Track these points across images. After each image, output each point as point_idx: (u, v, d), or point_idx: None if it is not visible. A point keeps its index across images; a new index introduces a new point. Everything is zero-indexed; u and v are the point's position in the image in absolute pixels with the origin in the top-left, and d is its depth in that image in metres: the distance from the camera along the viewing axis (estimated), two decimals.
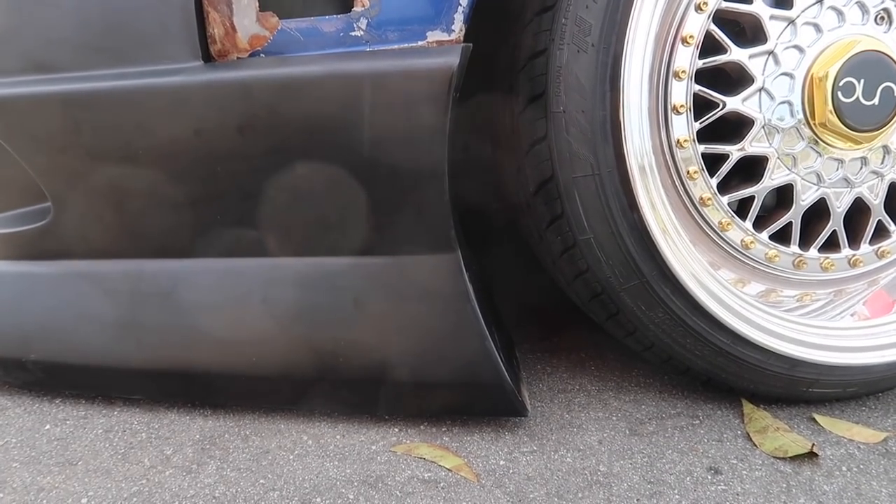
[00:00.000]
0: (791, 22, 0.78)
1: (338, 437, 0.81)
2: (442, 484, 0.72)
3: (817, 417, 0.86)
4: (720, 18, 0.78)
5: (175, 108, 0.75)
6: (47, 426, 0.83)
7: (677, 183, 0.81)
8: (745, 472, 0.75)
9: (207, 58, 0.75)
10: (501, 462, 0.76)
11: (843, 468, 0.76)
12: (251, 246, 0.79)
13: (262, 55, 0.75)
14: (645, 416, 0.87)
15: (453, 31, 0.71)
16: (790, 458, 0.77)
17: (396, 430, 0.82)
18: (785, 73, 0.79)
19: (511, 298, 1.20)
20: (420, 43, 0.71)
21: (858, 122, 0.79)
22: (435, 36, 0.71)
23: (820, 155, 0.82)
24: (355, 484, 0.72)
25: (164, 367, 0.83)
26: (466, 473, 0.74)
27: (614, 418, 0.86)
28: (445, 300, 0.78)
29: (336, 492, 0.70)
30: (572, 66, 0.73)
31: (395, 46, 0.72)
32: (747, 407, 0.87)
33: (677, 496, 0.71)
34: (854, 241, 0.87)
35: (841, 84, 0.78)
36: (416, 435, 0.81)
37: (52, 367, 0.85)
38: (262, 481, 0.72)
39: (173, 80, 0.74)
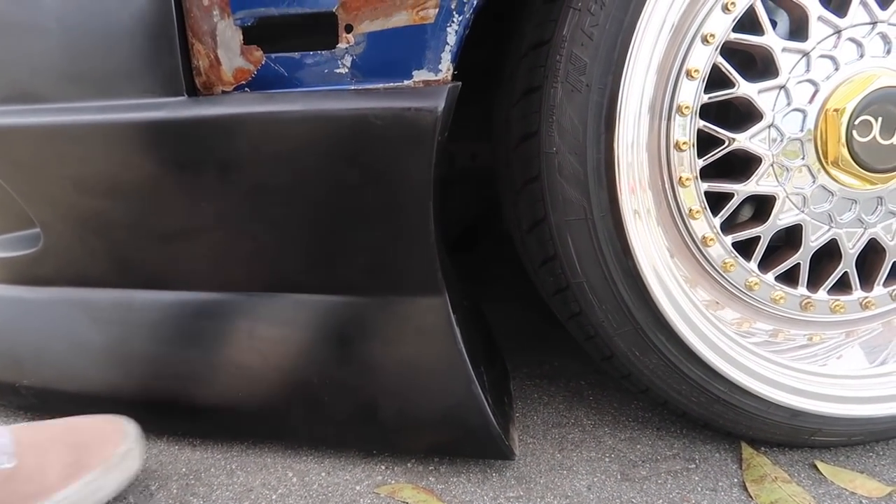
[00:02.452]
0: (805, 55, 0.73)
1: (323, 474, 0.80)
2: None
3: (819, 466, 0.82)
4: (728, 50, 0.73)
5: (158, 143, 0.73)
6: None
7: (678, 221, 0.77)
8: None
9: (192, 91, 0.73)
10: None
11: None
12: (235, 282, 0.78)
13: (246, 90, 0.73)
14: (639, 457, 0.84)
15: (440, 70, 0.68)
16: None
17: (383, 467, 0.81)
18: (797, 109, 0.75)
19: (512, 320, 1.17)
20: (406, 82, 0.68)
21: (875, 162, 0.75)
22: (421, 76, 0.68)
23: (832, 195, 0.77)
24: None
25: (152, 397, 0.83)
26: None
27: (607, 459, 0.84)
28: (432, 343, 0.76)
29: None
30: (566, 105, 0.70)
31: (380, 86, 0.69)
32: (746, 451, 0.84)
33: None
34: (867, 282, 0.83)
35: (857, 122, 0.73)
36: (402, 474, 0.80)
37: (45, 393, 0.86)
38: None
39: (156, 114, 0.72)
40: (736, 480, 0.80)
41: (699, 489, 0.79)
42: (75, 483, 0.70)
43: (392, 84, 0.69)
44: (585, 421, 0.92)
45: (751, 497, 0.77)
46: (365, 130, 0.68)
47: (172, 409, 0.83)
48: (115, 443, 0.74)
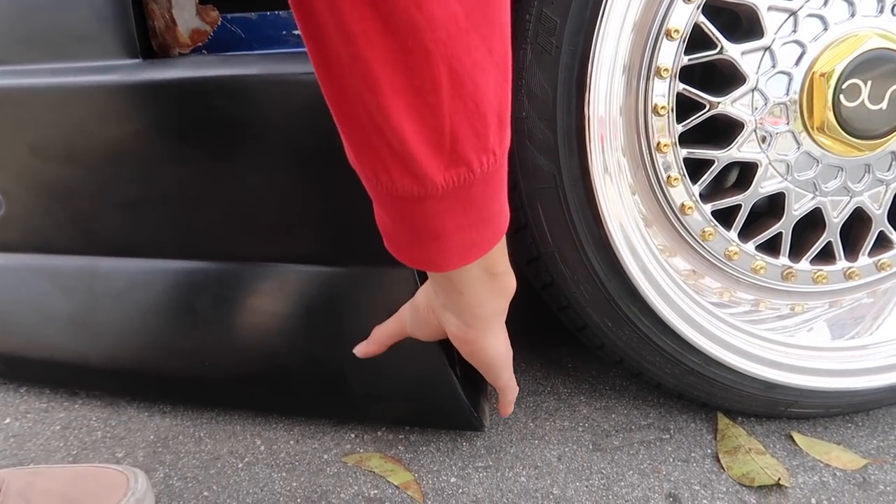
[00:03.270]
0: (793, 14, 0.69)
1: (291, 442, 0.80)
2: (387, 503, 0.71)
3: (796, 437, 0.81)
4: (710, 8, 0.69)
5: (113, 107, 0.70)
6: (7, 419, 0.84)
7: (655, 189, 0.74)
8: (705, 501, 0.72)
9: (148, 54, 0.70)
10: (452, 479, 0.74)
11: (813, 500, 0.72)
12: (199, 250, 0.77)
13: (204, 52, 0.70)
14: (613, 426, 0.83)
15: None
16: (757, 487, 0.73)
17: (353, 436, 0.81)
18: (782, 72, 0.71)
19: None
20: None
21: (863, 128, 0.71)
22: None
23: (817, 162, 0.74)
24: (298, 500, 0.71)
25: (119, 365, 0.82)
26: (414, 492, 0.72)
27: (580, 429, 0.83)
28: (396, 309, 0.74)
29: None
30: (535, 68, 0.66)
31: None
32: (722, 422, 0.83)
33: None
34: (851, 252, 0.80)
35: (844, 86, 0.70)
36: (371, 443, 0.80)
37: (12, 360, 0.85)
38: (205, 493, 0.72)
39: (111, 78, 0.69)
40: (709, 451, 0.79)
41: (671, 460, 0.78)
42: None
43: None
44: (562, 389, 0.91)
45: (723, 468, 0.76)
46: None
47: (140, 376, 0.82)
48: (115, 500, 0.64)
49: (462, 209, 0.43)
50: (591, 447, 0.80)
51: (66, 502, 0.63)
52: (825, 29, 0.70)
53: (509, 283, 0.55)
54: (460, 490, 0.73)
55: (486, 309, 0.55)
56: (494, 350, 0.59)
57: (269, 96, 0.66)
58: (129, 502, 0.64)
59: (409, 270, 0.73)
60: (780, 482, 0.72)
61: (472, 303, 0.54)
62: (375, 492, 0.72)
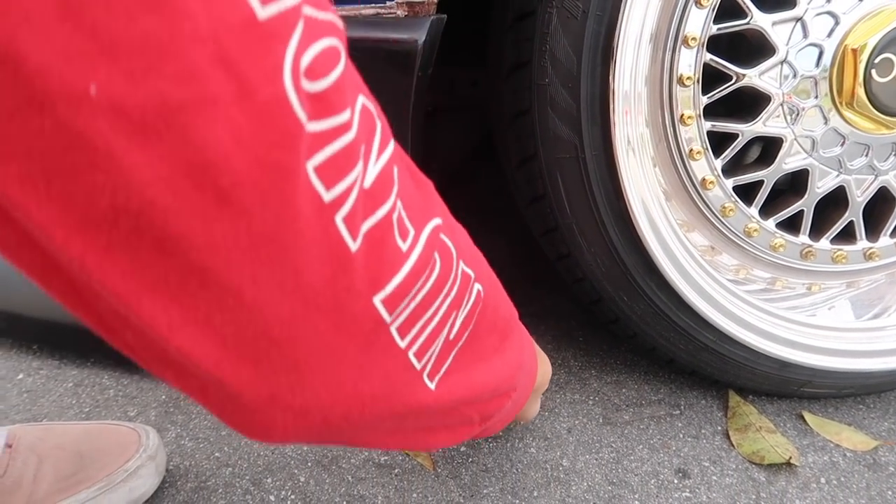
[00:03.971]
0: None
1: None
2: (396, 470, 0.71)
3: (807, 416, 0.81)
4: None
5: None
6: (20, 375, 0.84)
7: (677, 162, 0.73)
8: (714, 477, 0.72)
9: None
10: (462, 448, 0.74)
11: (822, 480, 0.72)
12: None
13: None
14: (623, 401, 0.83)
15: None
16: (766, 465, 0.73)
17: None
18: (813, 44, 0.69)
19: (506, 255, 1.15)
20: (389, 3, 0.63)
21: (893, 104, 0.70)
22: None
23: (844, 139, 0.73)
24: (309, 465, 0.71)
25: None
26: (423, 460, 0.72)
27: (590, 402, 0.83)
28: None
29: (288, 472, 0.70)
30: (561, 33, 0.65)
31: (362, 6, 0.64)
32: (733, 399, 0.83)
33: (636, 502, 0.68)
34: (872, 232, 0.79)
35: (877, 61, 0.68)
36: None
37: (11, 317, 0.85)
38: (217, 454, 0.72)
39: None
40: (720, 428, 0.79)
41: (681, 436, 0.78)
42: (65, 499, 0.60)
43: (373, 5, 0.64)
44: (573, 362, 0.91)
45: (732, 446, 0.76)
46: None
47: None
48: (126, 457, 0.64)
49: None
50: (601, 421, 0.80)
51: (77, 458, 0.63)
52: (860, 0, 0.68)
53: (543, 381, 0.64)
54: (470, 459, 0.73)
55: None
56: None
57: None
58: (142, 459, 0.64)
59: None
60: (790, 461, 0.72)
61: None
62: (385, 458, 0.72)
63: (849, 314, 0.80)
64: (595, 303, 0.78)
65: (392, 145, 0.36)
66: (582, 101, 0.66)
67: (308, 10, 0.25)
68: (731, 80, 0.70)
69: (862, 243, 0.78)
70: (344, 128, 0.28)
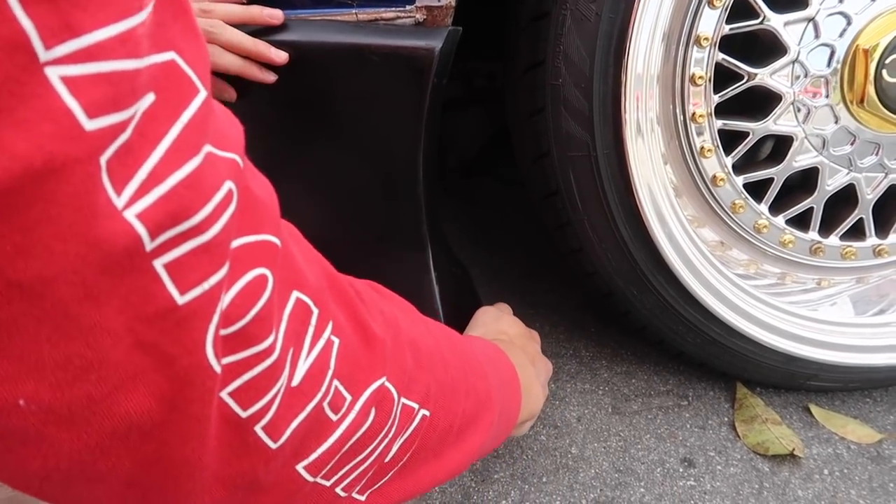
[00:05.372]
0: None
1: None
2: None
3: (813, 409, 0.83)
4: None
5: None
6: None
7: (688, 159, 0.74)
8: (719, 467, 0.74)
9: None
10: None
11: (825, 471, 0.74)
12: None
13: None
14: (632, 391, 0.85)
15: None
16: (771, 455, 0.75)
17: None
18: (825, 44, 0.70)
19: (523, 245, 1.17)
20: (408, 7, 0.65)
21: None
22: (424, 1, 0.64)
23: (855, 137, 0.74)
24: None
25: None
26: None
27: (600, 392, 0.85)
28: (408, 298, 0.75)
29: None
30: (574, 34, 0.66)
31: (382, 10, 0.66)
32: (740, 391, 0.85)
33: (642, 489, 0.71)
34: (882, 229, 0.80)
35: (888, 61, 0.69)
36: None
37: None
38: None
39: None
40: (726, 419, 0.81)
41: (688, 426, 0.80)
42: None
43: (394, 9, 0.65)
44: (584, 352, 0.93)
45: (738, 437, 0.78)
46: (361, 66, 0.65)
47: None
48: None
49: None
50: (610, 410, 0.82)
51: None
52: (872, 1, 0.68)
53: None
54: None
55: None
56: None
57: (305, 64, 0.66)
58: None
59: (422, 255, 0.74)
60: (795, 452, 0.74)
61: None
62: None
63: (853, 310, 0.81)
64: (606, 296, 0.79)
65: (330, 325, 0.34)
66: (594, 100, 0.68)
67: (209, 148, 0.25)
68: (742, 79, 0.71)
69: (871, 240, 0.79)
70: (265, 353, 0.28)
